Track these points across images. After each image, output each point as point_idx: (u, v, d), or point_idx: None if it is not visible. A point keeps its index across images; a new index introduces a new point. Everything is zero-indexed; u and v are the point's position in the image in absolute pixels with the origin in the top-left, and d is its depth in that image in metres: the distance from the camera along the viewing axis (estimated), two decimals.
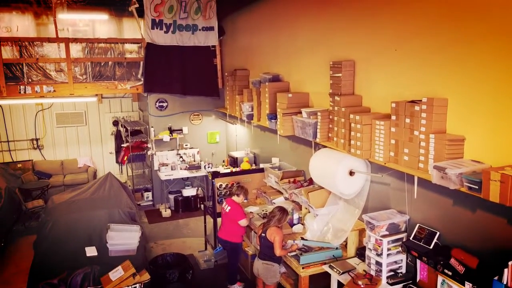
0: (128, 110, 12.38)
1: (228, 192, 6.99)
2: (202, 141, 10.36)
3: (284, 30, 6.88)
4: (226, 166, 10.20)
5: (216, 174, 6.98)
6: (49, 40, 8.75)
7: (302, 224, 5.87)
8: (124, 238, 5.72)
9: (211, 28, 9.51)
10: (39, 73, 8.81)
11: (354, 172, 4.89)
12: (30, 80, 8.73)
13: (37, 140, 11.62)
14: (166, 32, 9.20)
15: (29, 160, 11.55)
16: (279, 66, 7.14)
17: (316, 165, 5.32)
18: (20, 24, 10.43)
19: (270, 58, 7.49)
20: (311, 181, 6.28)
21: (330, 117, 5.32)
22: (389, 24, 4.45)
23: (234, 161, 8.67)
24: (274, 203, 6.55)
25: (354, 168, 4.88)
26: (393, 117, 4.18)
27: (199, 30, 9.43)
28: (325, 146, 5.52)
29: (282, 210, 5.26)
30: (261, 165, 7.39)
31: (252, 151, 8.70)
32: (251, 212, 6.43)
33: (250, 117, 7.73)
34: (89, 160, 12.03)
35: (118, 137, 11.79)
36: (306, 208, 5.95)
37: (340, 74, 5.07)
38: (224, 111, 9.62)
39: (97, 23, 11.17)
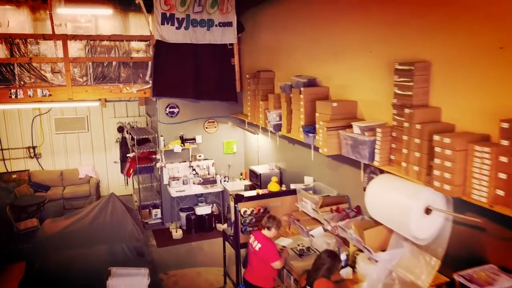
0: (135, 115, 11.25)
1: (253, 219, 5.81)
2: (218, 151, 9.19)
3: (322, 26, 5.68)
4: (244, 179, 9.06)
5: (239, 198, 5.81)
6: (44, 37, 7.62)
7: (352, 267, 4.67)
8: (128, 285, 4.55)
9: (229, 24, 8.33)
10: (32, 75, 7.68)
11: (431, 209, 3.68)
12: (22, 83, 7.60)
13: (34, 148, 10.53)
14: (178, 28, 8.04)
15: (25, 171, 10.45)
16: (315, 68, 5.94)
17: (377, 196, 4.12)
18: (15, 19, 9.32)
19: (302, 59, 6.29)
20: (358, 210, 5.09)
21: (394, 134, 4.12)
22: (490, 13, 3.23)
23: (256, 178, 7.48)
24: (312, 236, 5.36)
25: (432, 205, 3.67)
26: (504, 142, 2.97)
27: (216, 26, 8.25)
28: (382, 171, 4.32)
29: (333, 256, 4.07)
30: (292, 186, 6.20)
31: (277, 166, 7.50)
32: (283, 247, 5.23)
33: (277, 127, 6.55)
34: (91, 170, 10.90)
35: (123, 144, 10.67)
36: (354, 246, 4.76)
37: (410, 80, 3.87)
38: (243, 118, 8.44)
39: (101, 19, 10.04)
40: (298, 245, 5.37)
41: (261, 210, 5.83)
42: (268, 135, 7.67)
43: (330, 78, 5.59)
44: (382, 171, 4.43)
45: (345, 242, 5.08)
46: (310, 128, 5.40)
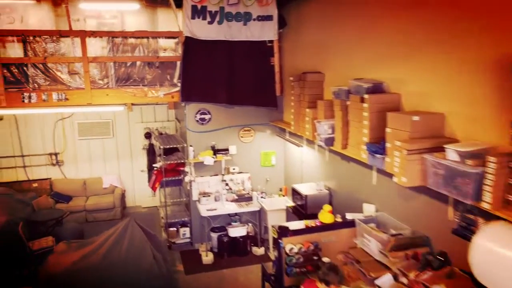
0: (163, 119, 10.31)
1: (301, 259, 4.65)
2: (254, 163, 8.07)
3: (388, 16, 4.45)
4: (283, 195, 7.93)
5: (284, 232, 4.66)
6: (60, 33, 6.72)
7: None
8: None
9: (269, 18, 7.20)
10: (48, 77, 6.81)
11: None
12: (36, 85, 6.75)
13: (56, 155, 9.77)
14: (210, 22, 6.98)
15: (47, 179, 9.71)
16: (379, 70, 4.71)
17: (492, 253, 2.87)
18: (35, 15, 8.52)
19: (360, 58, 5.07)
20: (445, 258, 3.82)
21: None
22: None
23: (300, 199, 6.31)
24: (379, 287, 4.14)
25: None
26: None
27: (253, 20, 7.13)
28: (495, 216, 3.07)
29: None
30: (348, 216, 4.99)
31: (326, 186, 6.30)
32: None
33: (329, 142, 5.37)
34: (116, 180, 10.05)
35: (151, 152, 9.76)
36: None
37: None
38: (284, 126, 7.29)
39: (127, 15, 9.11)
40: None
41: (311, 248, 4.66)
42: (314, 148, 6.49)
43: (402, 82, 4.34)
44: (487, 214, 3.16)
45: None
46: (378, 147, 4.19)
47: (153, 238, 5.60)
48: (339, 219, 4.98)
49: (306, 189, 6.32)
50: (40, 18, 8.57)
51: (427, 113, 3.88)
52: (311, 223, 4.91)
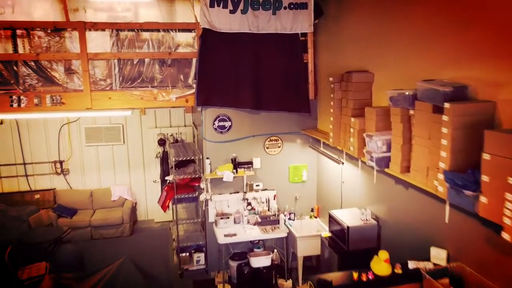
0: (179, 124, 9.23)
1: None
2: (281, 179, 6.85)
3: None
4: (315, 216, 6.73)
5: (325, 286, 3.42)
6: (55, 25, 5.68)
7: None
8: None
9: (303, 5, 5.99)
10: (41, 77, 5.79)
11: None
12: (26, 86, 5.74)
13: (61, 163, 8.81)
14: (232, 11, 5.83)
15: (51, 190, 8.77)
16: (461, 67, 3.42)
17: None
18: (40, 7, 7.54)
19: (433, 52, 3.79)
20: None
21: None
22: None
23: (339, 230, 5.05)
24: None
25: None
26: None
27: (284, 8, 5.94)
28: None
29: None
30: (411, 264, 3.71)
31: (374, 214, 5.03)
32: None
33: (383, 162, 4.13)
34: (127, 191, 9.01)
35: (164, 161, 8.70)
36: None
37: None
38: (319, 137, 6.05)
39: (141, 7, 8.04)
40: None
41: None
42: (357, 164, 5.23)
43: (498, 85, 3.05)
44: None
45: None
46: (466, 179, 2.91)
47: (155, 280, 4.46)
48: (399, 271, 3.70)
49: (348, 217, 5.05)
50: (45, 11, 7.59)
51: None
52: (361, 274, 3.64)
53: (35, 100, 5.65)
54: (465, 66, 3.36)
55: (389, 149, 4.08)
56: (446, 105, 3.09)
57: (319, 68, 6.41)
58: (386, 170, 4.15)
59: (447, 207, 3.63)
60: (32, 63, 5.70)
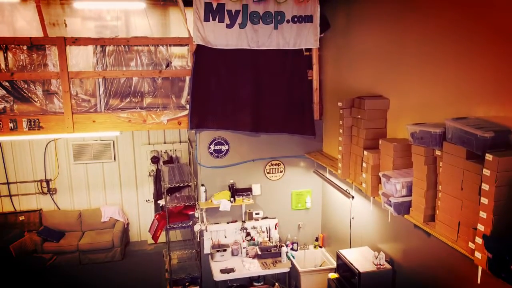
0: (174, 140, 8.66)
1: None
2: (283, 206, 6.29)
3: None
4: (320, 246, 6.19)
5: None
6: (32, 41, 5.10)
7: None
8: None
9: (308, 19, 5.42)
10: (17, 98, 5.22)
11: None
12: (0, 110, 5.17)
13: (47, 182, 8.24)
14: (229, 26, 5.26)
15: (36, 211, 8.21)
16: (499, 103, 2.85)
17: None
18: (21, 18, 6.97)
19: (458, 81, 3.22)
20: None
21: None
22: None
23: (349, 273, 4.48)
24: None
25: None
26: None
27: (287, 21, 5.38)
28: None
29: None
30: None
31: (389, 256, 4.45)
32: None
33: (402, 208, 3.58)
34: (118, 212, 8.45)
35: (158, 180, 8.13)
36: None
37: None
38: (325, 164, 5.48)
39: (133, 16, 7.45)
40: None
41: None
42: (369, 199, 4.66)
43: None
44: None
45: None
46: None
47: None
48: None
49: (359, 259, 4.48)
50: (28, 22, 7.01)
51: None
52: None
53: (10, 125, 5.08)
54: (507, 101, 2.79)
55: (409, 192, 3.51)
56: (488, 156, 2.52)
57: (325, 85, 5.84)
58: (406, 216, 3.58)
59: (479, 272, 3.06)
60: (7, 83, 5.12)
